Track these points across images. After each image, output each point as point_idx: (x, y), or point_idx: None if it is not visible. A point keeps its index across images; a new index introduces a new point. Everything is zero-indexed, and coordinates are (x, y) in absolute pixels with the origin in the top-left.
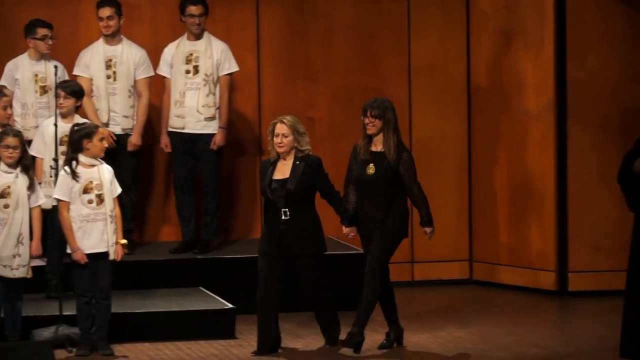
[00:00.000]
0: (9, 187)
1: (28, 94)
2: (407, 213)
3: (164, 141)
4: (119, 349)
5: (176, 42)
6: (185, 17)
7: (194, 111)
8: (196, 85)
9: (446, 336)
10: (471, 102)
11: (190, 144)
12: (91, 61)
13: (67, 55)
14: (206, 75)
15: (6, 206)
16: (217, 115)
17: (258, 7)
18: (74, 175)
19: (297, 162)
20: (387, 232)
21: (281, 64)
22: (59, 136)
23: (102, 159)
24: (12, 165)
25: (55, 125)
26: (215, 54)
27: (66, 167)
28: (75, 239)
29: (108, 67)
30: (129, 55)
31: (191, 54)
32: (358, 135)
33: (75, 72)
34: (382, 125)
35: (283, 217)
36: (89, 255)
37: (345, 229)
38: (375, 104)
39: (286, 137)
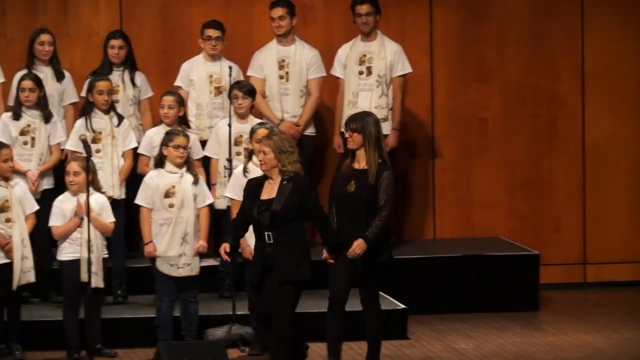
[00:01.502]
0: (173, 187)
1: (202, 95)
2: (389, 235)
3: (337, 142)
4: None
5: (350, 43)
6: (355, 16)
7: None
8: (369, 86)
9: (618, 338)
10: None
11: None
12: (265, 62)
13: (241, 56)
14: (379, 76)
15: (171, 205)
16: (389, 117)
17: (431, 9)
18: (245, 172)
19: (285, 182)
20: (368, 259)
21: (454, 65)
22: (234, 136)
23: None
24: (179, 165)
25: (229, 125)
26: (388, 55)
27: (240, 166)
28: (245, 237)
29: (281, 67)
30: (301, 55)
31: (365, 55)
32: (531, 137)
33: (249, 73)
34: (363, 140)
35: (267, 241)
36: None
37: (325, 254)
38: (355, 117)
39: (266, 154)
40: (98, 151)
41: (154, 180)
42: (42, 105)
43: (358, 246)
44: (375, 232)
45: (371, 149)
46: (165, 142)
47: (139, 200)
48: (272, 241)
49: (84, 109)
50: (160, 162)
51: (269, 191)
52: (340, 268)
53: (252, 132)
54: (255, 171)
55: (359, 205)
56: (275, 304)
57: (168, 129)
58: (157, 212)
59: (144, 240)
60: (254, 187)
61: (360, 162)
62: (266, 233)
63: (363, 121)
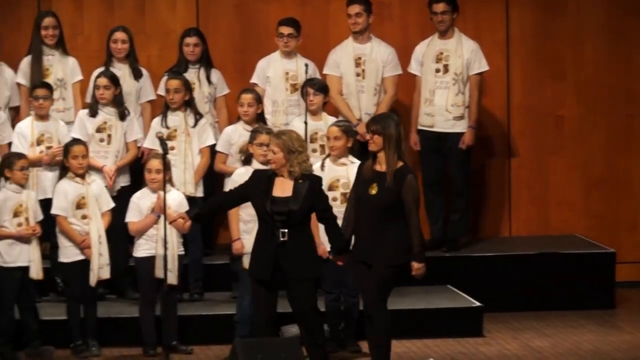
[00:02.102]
0: None
1: (278, 92)
2: (407, 240)
3: (414, 139)
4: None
5: (427, 40)
6: (431, 14)
7: (443, 110)
8: (446, 84)
9: None
10: None
11: (439, 143)
12: (341, 59)
13: (317, 54)
14: (456, 74)
15: None
16: (466, 114)
17: (508, 6)
18: (322, 168)
19: (300, 181)
20: (384, 261)
21: (530, 62)
22: (308, 134)
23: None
24: (265, 163)
25: (306, 123)
26: (465, 53)
27: (317, 163)
28: (320, 235)
29: (357, 65)
30: (377, 53)
31: (441, 53)
32: (607, 135)
33: (325, 71)
34: (383, 142)
35: (281, 238)
36: None
37: (332, 258)
38: (376, 118)
39: (275, 154)
40: (172, 148)
41: (242, 177)
42: (118, 103)
43: (417, 270)
44: (418, 248)
45: (390, 151)
46: (250, 140)
47: None
48: (286, 239)
49: (163, 106)
50: (247, 159)
51: (282, 188)
52: (361, 273)
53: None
54: (333, 170)
55: (380, 208)
56: (303, 302)
57: (246, 126)
58: (244, 209)
59: (232, 238)
60: (263, 180)
61: (382, 165)
62: (281, 231)
63: (384, 123)
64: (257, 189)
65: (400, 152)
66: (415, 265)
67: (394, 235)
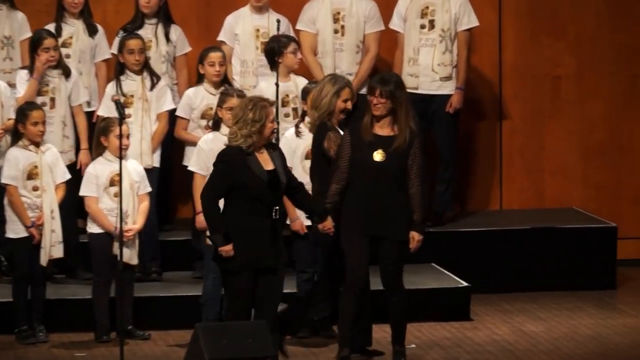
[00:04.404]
0: None
1: (248, 51)
2: (410, 211)
3: None
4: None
5: None
6: None
7: (428, 70)
8: (432, 41)
9: None
10: None
11: (423, 106)
12: (317, 15)
13: (290, 8)
14: (443, 30)
15: None
16: (453, 75)
17: None
18: (297, 134)
19: (272, 151)
20: (402, 234)
21: (524, 17)
22: (280, 96)
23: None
24: None
25: (277, 84)
26: (453, 7)
27: (291, 129)
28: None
29: (336, 20)
30: (358, 7)
31: (427, 7)
32: (609, 97)
33: (298, 27)
34: (392, 106)
35: (275, 217)
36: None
37: (320, 225)
38: (382, 81)
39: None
40: (128, 116)
41: (209, 144)
42: (60, 62)
43: (418, 242)
44: (422, 214)
45: (403, 115)
46: (219, 104)
47: (192, 166)
48: (278, 217)
49: (115, 70)
50: (216, 125)
51: (265, 162)
52: (366, 246)
53: (306, 91)
54: (308, 134)
55: (389, 175)
56: (279, 286)
57: (210, 89)
58: None
59: (196, 211)
60: (244, 158)
61: (384, 128)
62: (274, 208)
63: (394, 84)
64: (243, 168)
65: (410, 115)
66: (416, 237)
67: (405, 206)
